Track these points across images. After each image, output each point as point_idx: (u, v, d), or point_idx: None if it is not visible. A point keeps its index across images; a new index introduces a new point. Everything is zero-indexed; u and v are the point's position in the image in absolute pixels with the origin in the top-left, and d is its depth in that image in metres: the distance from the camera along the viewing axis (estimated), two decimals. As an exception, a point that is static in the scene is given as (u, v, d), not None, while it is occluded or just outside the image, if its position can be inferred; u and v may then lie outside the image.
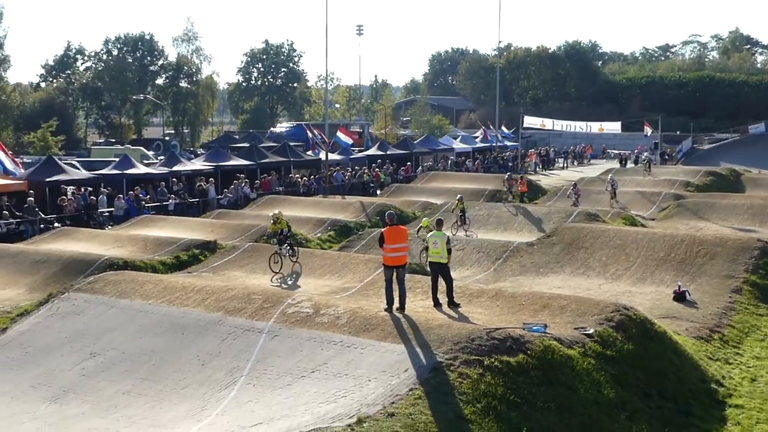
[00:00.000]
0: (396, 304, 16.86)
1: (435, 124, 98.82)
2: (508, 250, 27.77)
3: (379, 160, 57.96)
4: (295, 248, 24.97)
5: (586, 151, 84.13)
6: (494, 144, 74.43)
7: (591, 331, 16.20)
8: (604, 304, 18.32)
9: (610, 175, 49.90)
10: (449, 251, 18.19)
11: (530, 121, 67.42)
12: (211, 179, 43.85)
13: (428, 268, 18.90)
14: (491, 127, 76.83)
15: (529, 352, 14.51)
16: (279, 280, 23.14)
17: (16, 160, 34.33)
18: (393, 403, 12.69)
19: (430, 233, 18.67)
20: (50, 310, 19.41)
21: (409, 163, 59.23)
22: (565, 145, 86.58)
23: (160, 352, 16.67)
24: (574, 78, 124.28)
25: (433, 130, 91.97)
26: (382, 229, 17.73)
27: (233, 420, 13.19)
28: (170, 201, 39.90)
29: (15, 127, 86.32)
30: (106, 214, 36.66)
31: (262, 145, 60.30)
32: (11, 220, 32.69)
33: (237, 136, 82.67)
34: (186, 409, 14.18)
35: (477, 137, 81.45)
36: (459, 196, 35.06)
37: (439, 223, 19.19)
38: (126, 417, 14.16)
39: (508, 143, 79.38)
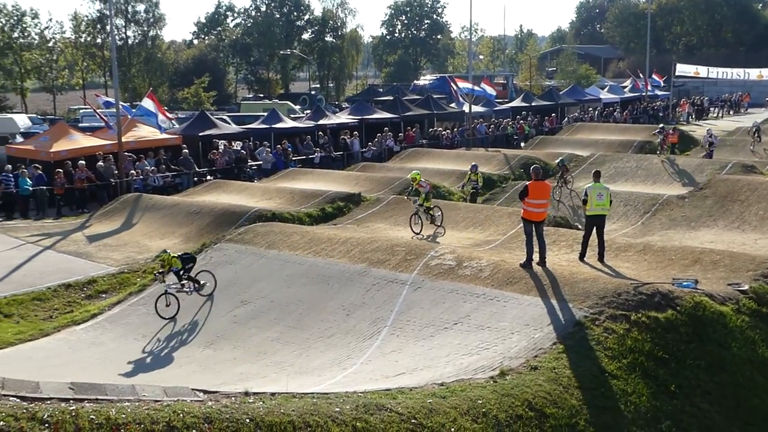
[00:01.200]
0: (536, 259, 16.61)
1: (582, 74, 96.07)
2: (657, 203, 26.78)
3: (523, 112, 56.95)
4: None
5: (743, 100, 79.66)
6: (644, 93, 71.58)
7: (745, 287, 15.47)
8: (761, 259, 17.42)
9: (754, 120, 47.36)
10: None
11: (683, 69, 64.25)
12: (356, 132, 44.32)
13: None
14: (641, 75, 73.79)
15: (678, 307, 14.01)
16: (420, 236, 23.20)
17: (169, 115, 35.64)
18: (536, 356, 12.57)
19: (590, 185, 18.14)
20: (204, 258, 20.22)
21: (554, 114, 57.91)
22: (720, 93, 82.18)
23: (307, 301, 17.10)
24: (731, 22, 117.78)
25: (580, 80, 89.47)
26: (527, 183, 17.42)
27: (377, 369, 13.40)
28: (316, 154, 40.65)
29: (170, 84, 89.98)
30: (255, 167, 37.74)
31: (405, 98, 60.31)
32: (167, 173, 34.17)
33: (381, 90, 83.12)
34: (332, 357, 14.52)
35: (625, 87, 78.52)
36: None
37: (597, 175, 18.73)
38: (275, 363, 14.64)
39: (659, 92, 76.15)
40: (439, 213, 23.65)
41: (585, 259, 17.88)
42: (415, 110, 52.11)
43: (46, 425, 7.93)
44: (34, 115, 64.96)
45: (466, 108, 51.38)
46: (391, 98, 58.55)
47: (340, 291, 17.19)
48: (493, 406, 10.58)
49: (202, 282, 18.38)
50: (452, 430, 9.76)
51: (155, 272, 18.92)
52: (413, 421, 9.71)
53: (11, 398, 8.51)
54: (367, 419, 9.45)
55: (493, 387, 11.24)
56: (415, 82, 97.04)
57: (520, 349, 12.98)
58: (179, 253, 18.55)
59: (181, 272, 18.04)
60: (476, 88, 49.58)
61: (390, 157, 42.23)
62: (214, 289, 18.43)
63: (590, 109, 63.89)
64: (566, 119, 59.02)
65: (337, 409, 9.54)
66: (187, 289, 18.12)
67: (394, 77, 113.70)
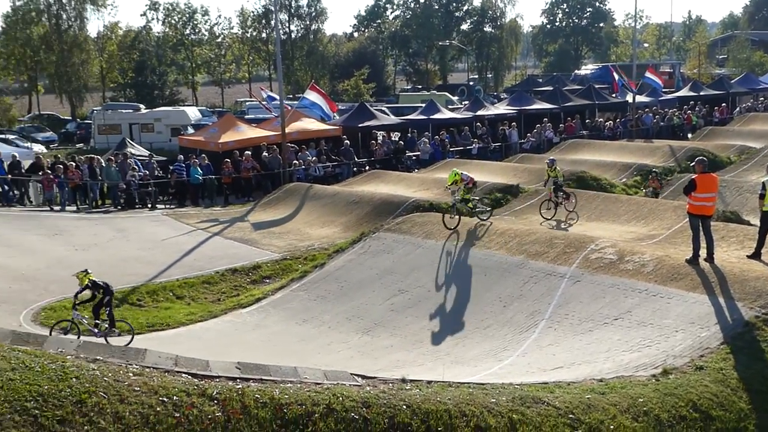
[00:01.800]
0: (703, 254, 15.88)
1: (755, 61, 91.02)
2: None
3: (691, 102, 54.56)
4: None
5: None
6: (825, 81, 67.12)
7: None
8: None
9: None
10: None
11: None
12: (514, 123, 43.86)
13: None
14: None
15: None
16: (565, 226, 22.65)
17: (333, 104, 36.46)
18: (702, 356, 12.07)
19: (767, 178, 16.84)
20: (362, 248, 20.61)
21: (724, 104, 55.10)
22: None
23: (463, 292, 17.12)
24: None
25: (753, 67, 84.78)
26: (693, 176, 16.68)
27: (534, 362, 13.26)
28: (474, 145, 40.52)
29: (330, 76, 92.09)
30: (413, 157, 38.03)
31: (565, 88, 59.15)
32: (328, 164, 34.99)
33: (540, 80, 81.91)
34: (488, 348, 14.48)
35: (804, 74, 73.91)
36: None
37: None
38: (431, 352, 14.75)
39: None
40: (486, 208, 21.70)
41: (757, 257, 16.93)
42: (575, 100, 50.98)
43: (215, 402, 8.31)
44: (204, 108, 68.21)
45: (629, 98, 49.82)
46: (551, 88, 57.57)
47: (497, 282, 17.11)
48: (655, 405, 10.25)
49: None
50: (611, 427, 9.53)
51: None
52: (570, 416, 9.54)
53: (183, 375, 8.98)
54: (524, 412, 9.37)
55: (655, 385, 10.89)
56: (576, 71, 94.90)
57: (684, 348, 12.49)
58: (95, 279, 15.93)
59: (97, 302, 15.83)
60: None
61: (549, 148, 41.52)
62: (130, 341, 15.26)
63: (763, 98, 60.44)
64: (738, 109, 56.07)
65: (493, 400, 9.51)
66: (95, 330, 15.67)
67: (554, 67, 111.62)
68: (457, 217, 20.64)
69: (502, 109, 48.76)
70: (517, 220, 24.04)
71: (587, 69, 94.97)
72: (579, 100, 51.51)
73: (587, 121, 48.42)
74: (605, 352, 13.06)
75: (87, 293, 15.88)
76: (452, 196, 21.13)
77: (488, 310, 16.10)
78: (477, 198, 21.68)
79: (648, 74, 51.84)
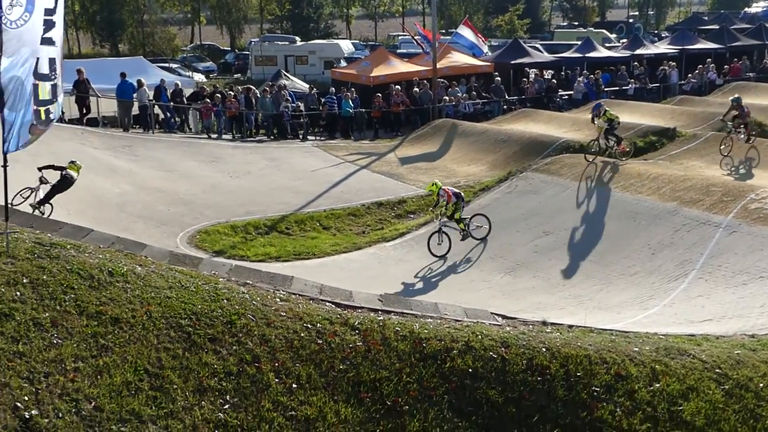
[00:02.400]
0: None
1: None
2: None
3: None
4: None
5: None
6: None
7: None
8: None
9: None
10: None
11: None
12: (674, 63, 41.90)
13: None
14: None
15: None
16: (731, 169, 21.57)
17: (483, 39, 35.87)
18: None
19: None
20: (509, 187, 20.42)
21: None
22: None
23: (611, 237, 16.73)
24: None
25: None
26: None
27: (681, 312, 12.86)
28: (630, 85, 39.03)
29: (485, 11, 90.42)
30: (565, 97, 37.09)
31: (733, 26, 55.79)
32: (478, 101, 34.62)
33: (706, 18, 77.56)
34: (633, 295, 14.14)
35: None
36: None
37: None
38: (573, 296, 14.55)
39: None
40: (483, 226, 18.42)
41: None
42: (743, 40, 48.01)
43: (357, 331, 8.52)
44: (357, 41, 68.64)
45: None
46: (717, 27, 54.47)
47: (646, 229, 16.60)
48: (811, 365, 9.75)
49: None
50: (761, 385, 9.14)
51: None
52: (717, 370, 9.21)
53: (327, 303, 9.24)
54: (667, 363, 9.12)
55: (812, 345, 10.35)
56: (746, 9, 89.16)
57: None
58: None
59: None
60: None
61: (711, 90, 39.48)
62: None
63: None
64: None
65: (636, 349, 9.30)
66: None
67: (722, 4, 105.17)
68: (445, 242, 17.84)
69: (662, 48, 46.59)
70: (672, 165, 23.10)
71: (759, 6, 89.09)
72: (747, 40, 48.48)
73: (759, 62, 45.61)
74: (759, 307, 12.49)
75: None
76: (435, 213, 18.42)
77: (635, 257, 15.68)
78: (468, 216, 18.50)
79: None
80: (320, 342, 8.26)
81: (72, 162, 17.23)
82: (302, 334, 8.31)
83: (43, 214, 15.80)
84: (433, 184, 18.25)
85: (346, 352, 8.23)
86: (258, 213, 20.22)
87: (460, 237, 18.02)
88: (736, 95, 25.13)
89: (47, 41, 9.23)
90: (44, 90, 9.34)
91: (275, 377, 7.75)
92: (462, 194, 18.47)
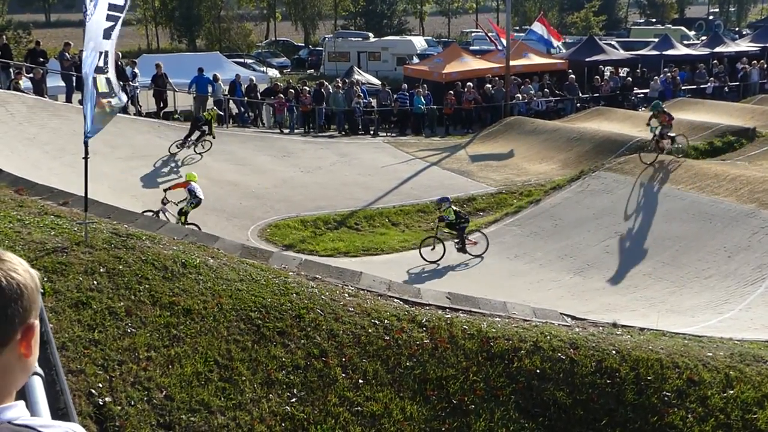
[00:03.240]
0: None
1: None
2: None
3: None
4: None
5: None
6: None
7: None
8: None
9: None
10: None
11: None
12: (755, 62, 40.76)
13: None
14: None
15: None
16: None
17: (558, 35, 35.41)
18: None
19: None
20: (581, 186, 20.15)
21: None
22: None
23: (685, 238, 16.37)
24: None
25: None
26: None
27: (757, 317, 12.51)
28: (709, 84, 38.11)
29: (560, 8, 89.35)
30: (641, 95, 36.42)
31: (819, 24, 54.12)
32: (551, 98, 34.25)
33: (790, 14, 75.35)
34: (707, 299, 13.82)
35: None
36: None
37: None
38: (645, 298, 14.29)
39: None
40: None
41: None
42: (829, 38, 46.54)
43: (424, 329, 8.52)
44: (430, 38, 68.52)
45: None
46: (802, 24, 52.91)
47: (722, 231, 16.19)
48: None
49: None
50: (841, 396, 8.85)
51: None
52: (795, 379, 8.95)
53: (395, 300, 9.27)
54: (742, 369, 8.89)
55: None
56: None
57: None
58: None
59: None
60: None
61: (796, 90, 38.34)
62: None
63: None
64: None
65: (710, 354, 9.09)
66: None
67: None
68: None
69: (743, 45, 45.42)
70: (751, 165, 22.49)
71: None
72: (834, 37, 46.96)
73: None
74: (841, 315, 12.11)
75: None
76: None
77: (710, 260, 15.31)
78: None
79: None
80: (387, 338, 8.28)
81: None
82: (370, 330, 8.35)
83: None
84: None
85: (413, 349, 8.24)
86: (328, 208, 20.38)
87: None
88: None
89: (107, 35, 9.42)
90: (101, 83, 9.53)
91: (342, 372, 7.80)
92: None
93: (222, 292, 8.43)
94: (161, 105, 28.31)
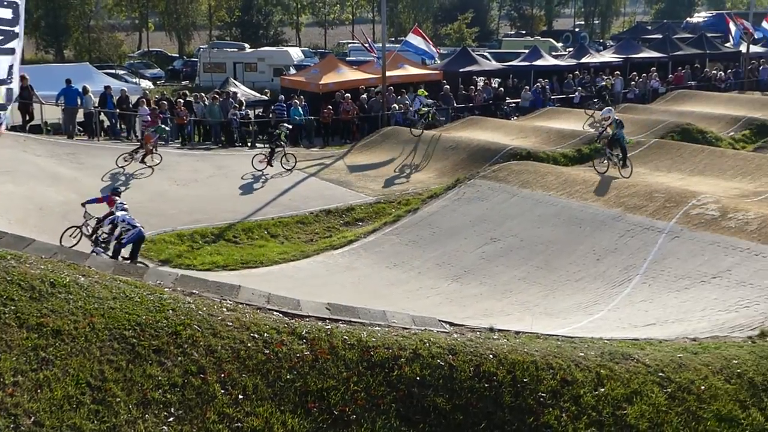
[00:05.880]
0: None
1: None
2: None
3: (814, 53, 51.86)
4: None
5: None
6: None
7: None
8: None
9: None
10: None
11: None
12: (618, 72, 42.59)
13: None
14: None
15: None
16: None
17: (433, 46, 35.95)
18: (804, 320, 11.64)
19: None
20: (457, 194, 20.53)
21: None
22: None
23: (557, 243, 16.91)
24: None
25: None
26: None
27: (625, 317, 13.04)
28: (576, 93, 39.58)
29: (434, 20, 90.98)
30: (513, 104, 37.47)
31: (676, 36, 56.96)
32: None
33: (649, 27, 79.06)
34: (578, 301, 14.31)
35: None
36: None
37: None
38: (520, 302, 14.67)
39: None
40: None
41: None
42: (685, 50, 49.10)
43: (304, 341, 8.48)
44: (307, 49, 68.57)
45: (743, 48, 47.66)
46: (660, 36, 55.59)
47: (591, 235, 16.83)
48: (750, 368, 9.95)
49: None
50: (702, 388, 9.31)
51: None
52: (660, 374, 9.37)
53: (275, 313, 9.18)
54: (612, 367, 9.24)
55: (751, 347, 10.56)
56: (688, 19, 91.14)
57: (784, 311, 12.08)
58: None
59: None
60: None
61: (654, 98, 40.24)
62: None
63: None
64: None
65: (582, 354, 9.41)
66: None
67: (664, 14, 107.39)
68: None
69: (607, 57, 47.41)
70: (617, 171, 23.45)
71: (700, 17, 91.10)
72: (689, 49, 49.59)
73: (701, 71, 46.55)
74: (700, 311, 12.74)
75: None
76: None
77: (581, 263, 15.87)
78: None
79: (765, 23, 49.38)
80: (267, 352, 8.20)
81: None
82: (249, 344, 8.24)
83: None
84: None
85: (294, 361, 8.18)
86: (205, 221, 20.05)
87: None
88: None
89: (6, 51, 9.10)
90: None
91: (221, 388, 7.67)
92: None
93: (94, 311, 8.16)
94: (27, 118, 27.22)
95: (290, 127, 28.08)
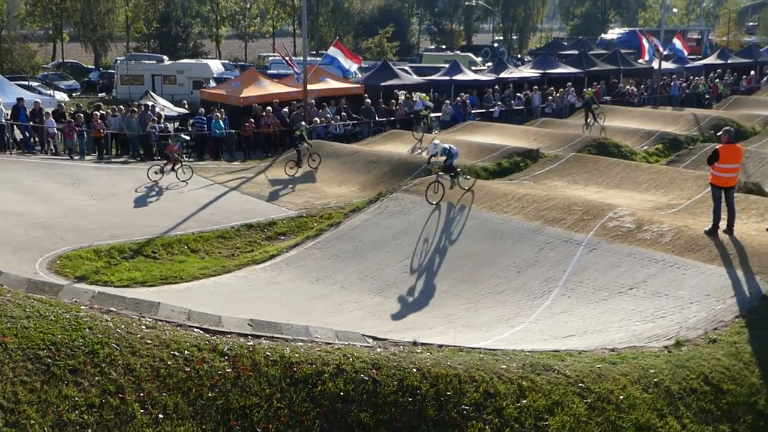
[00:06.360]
0: (723, 226, 15.74)
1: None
2: None
3: (718, 70, 53.85)
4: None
5: None
6: None
7: None
8: None
9: None
10: None
11: None
12: (536, 87, 43.44)
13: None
14: None
15: None
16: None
17: (357, 58, 35.91)
18: (716, 329, 11.99)
19: None
20: (379, 208, 20.56)
21: (753, 72, 54.32)
22: None
23: (479, 256, 17.06)
24: None
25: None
26: (717, 146, 16.46)
27: (546, 329, 13.23)
28: (496, 108, 40.18)
29: (355, 34, 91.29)
30: (434, 118, 37.75)
31: (591, 52, 58.47)
32: (348, 122, 34.82)
33: (565, 43, 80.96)
34: (500, 313, 14.46)
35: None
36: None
37: None
38: (443, 315, 14.74)
39: None
40: None
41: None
42: (600, 65, 50.49)
43: (226, 358, 8.35)
44: (227, 62, 67.97)
45: (655, 64, 49.17)
46: (576, 52, 56.97)
47: (512, 248, 17.04)
48: (666, 377, 10.21)
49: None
50: (621, 397, 9.51)
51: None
52: (581, 384, 9.53)
53: (195, 330, 9.02)
54: (534, 379, 9.36)
55: (667, 357, 10.84)
56: (603, 36, 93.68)
57: (698, 320, 12.42)
58: None
59: None
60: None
61: (571, 113, 41.15)
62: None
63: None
64: (765, 78, 55.22)
65: (504, 366, 9.50)
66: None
67: (580, 30, 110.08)
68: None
69: (525, 72, 48.32)
70: (536, 184, 23.88)
71: (614, 33, 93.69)
72: (604, 64, 51.00)
73: (615, 86, 47.82)
74: (618, 322, 13.02)
75: None
76: None
77: (502, 275, 16.05)
78: None
79: (675, 40, 51.05)
80: (188, 370, 8.05)
81: None
82: (169, 362, 8.08)
83: None
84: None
85: (215, 379, 8.05)
86: (123, 236, 19.60)
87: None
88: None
89: None
90: None
91: (140, 408, 7.49)
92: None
93: (6, 331, 7.88)
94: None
95: (188, 138, 28.42)
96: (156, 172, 25.01)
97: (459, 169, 21.15)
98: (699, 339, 11.62)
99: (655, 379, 10.10)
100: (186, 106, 37.34)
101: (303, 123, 28.51)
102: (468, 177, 21.19)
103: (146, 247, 19.05)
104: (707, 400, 10.12)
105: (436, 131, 31.85)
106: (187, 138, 27.80)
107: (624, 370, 10.15)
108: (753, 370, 10.86)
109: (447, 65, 47.60)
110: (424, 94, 33.84)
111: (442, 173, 20.54)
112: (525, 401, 8.94)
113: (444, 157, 20.66)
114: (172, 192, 24.46)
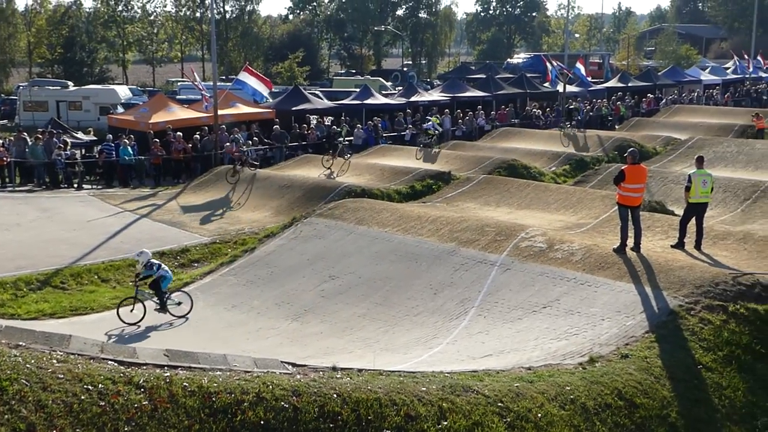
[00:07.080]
0: (630, 244, 16.23)
1: (682, 55, 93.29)
2: (759, 190, 25.69)
3: (619, 93, 55.65)
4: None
5: None
6: (747, 75, 68.88)
7: None
8: None
9: None
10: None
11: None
12: (447, 110, 44.04)
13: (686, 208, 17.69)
14: (745, 57, 70.91)
15: (780, 301, 13.50)
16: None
17: (269, 82, 35.66)
18: (627, 344, 12.32)
19: (694, 171, 17.35)
20: (294, 233, 20.47)
21: (651, 95, 56.33)
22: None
23: (395, 278, 17.13)
24: None
25: (680, 60, 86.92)
26: (623, 167, 16.98)
27: (463, 349, 13.35)
28: (407, 131, 40.54)
29: (264, 59, 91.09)
30: (346, 142, 37.89)
31: (498, 76, 59.74)
32: (260, 147, 34.60)
33: (473, 67, 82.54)
34: (417, 335, 14.52)
35: (728, 68, 75.77)
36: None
37: (700, 161, 18.01)
38: (361, 339, 14.73)
39: (764, 75, 73.09)
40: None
41: (682, 246, 17.37)
42: (507, 89, 51.55)
43: (142, 390, 8.15)
44: (135, 87, 66.84)
45: (560, 87, 50.49)
46: (484, 76, 58.06)
47: (428, 270, 17.16)
48: (582, 393, 10.43)
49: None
50: (539, 415, 9.66)
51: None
52: (499, 404, 9.64)
53: (109, 362, 8.78)
54: (453, 400, 9.42)
55: (581, 374, 11.07)
56: (509, 60, 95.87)
57: (610, 336, 12.74)
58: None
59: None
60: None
61: (481, 136, 41.85)
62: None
63: (689, 91, 61.89)
64: (664, 101, 57.29)
65: (424, 389, 9.54)
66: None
67: (487, 55, 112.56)
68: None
69: (435, 95, 48.95)
70: (449, 206, 24.16)
71: (519, 58, 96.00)
72: (511, 88, 52.11)
73: (522, 109, 48.88)
74: (534, 340, 13.23)
75: None
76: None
77: (418, 297, 16.14)
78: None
79: (578, 65, 52.54)
80: (102, 404, 7.83)
81: None
82: (83, 397, 7.84)
83: None
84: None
85: (131, 412, 7.85)
86: (29, 267, 18.98)
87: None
88: None
89: None
90: None
91: (53, 445, 7.24)
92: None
93: None
94: None
95: (242, 138, 31.74)
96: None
97: (168, 296, 16.70)
98: (612, 355, 11.92)
99: (571, 396, 10.30)
100: (92, 133, 36.53)
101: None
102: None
103: (54, 277, 18.50)
104: (621, 414, 10.37)
105: (348, 155, 31.82)
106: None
107: (541, 388, 10.32)
108: (664, 383, 11.20)
109: (358, 89, 47.90)
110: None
111: (145, 290, 16.68)
112: (446, 423, 8.99)
113: (143, 270, 16.65)
114: (80, 221, 23.84)
